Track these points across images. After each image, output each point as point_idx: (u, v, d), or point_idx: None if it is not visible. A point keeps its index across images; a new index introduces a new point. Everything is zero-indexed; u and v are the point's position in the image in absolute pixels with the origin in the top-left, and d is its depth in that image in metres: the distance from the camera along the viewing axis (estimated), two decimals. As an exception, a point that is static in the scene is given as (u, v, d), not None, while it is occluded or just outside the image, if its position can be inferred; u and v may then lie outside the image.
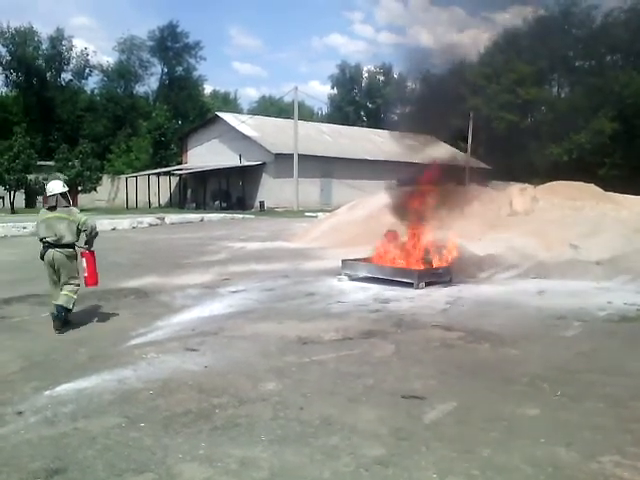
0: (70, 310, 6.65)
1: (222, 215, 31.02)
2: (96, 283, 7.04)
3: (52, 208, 6.71)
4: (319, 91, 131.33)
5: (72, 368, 5.00)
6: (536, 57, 57.97)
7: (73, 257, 6.77)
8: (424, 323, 6.76)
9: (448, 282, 9.47)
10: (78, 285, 6.81)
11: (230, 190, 42.08)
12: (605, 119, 49.73)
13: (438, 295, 8.54)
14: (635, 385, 4.66)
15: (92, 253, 6.86)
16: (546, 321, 6.86)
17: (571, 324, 6.70)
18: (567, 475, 3.18)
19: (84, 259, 6.82)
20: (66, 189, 6.88)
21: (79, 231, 6.77)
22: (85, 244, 6.83)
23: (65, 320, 6.57)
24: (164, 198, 46.68)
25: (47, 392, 4.38)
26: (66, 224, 6.66)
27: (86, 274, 6.83)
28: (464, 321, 6.82)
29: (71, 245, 6.72)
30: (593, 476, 3.17)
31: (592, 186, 15.24)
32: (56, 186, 6.79)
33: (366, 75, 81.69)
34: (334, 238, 15.68)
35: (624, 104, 49.62)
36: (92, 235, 6.83)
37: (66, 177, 38.48)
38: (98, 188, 42.23)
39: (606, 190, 15.32)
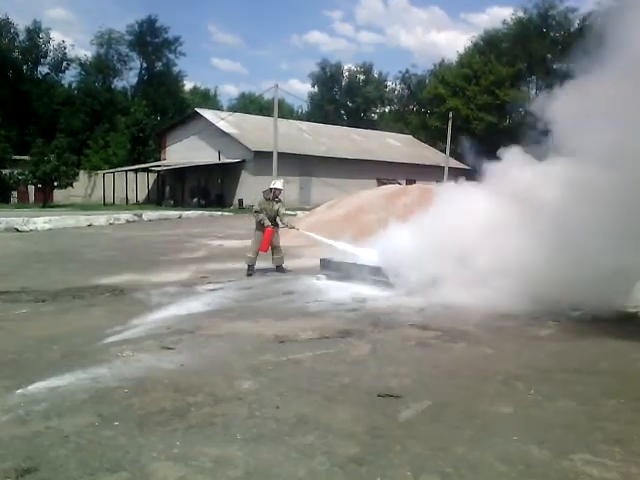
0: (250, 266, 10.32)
1: (200, 212, 30.85)
2: (265, 250, 10.29)
3: None
4: (299, 89, 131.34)
5: (45, 366, 4.93)
6: (515, 59, 58.63)
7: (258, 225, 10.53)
8: (401, 322, 6.80)
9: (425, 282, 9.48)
10: (250, 252, 10.39)
11: (209, 187, 41.86)
12: (582, 121, 50.24)
13: (415, 294, 8.55)
14: (606, 384, 4.74)
15: (269, 230, 10.25)
16: (521, 321, 6.93)
17: (545, 324, 6.79)
18: (539, 472, 3.23)
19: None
20: (270, 186, 10.66)
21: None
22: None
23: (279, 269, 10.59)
24: (142, 195, 46.23)
25: (19, 391, 4.32)
26: None
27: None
28: (440, 320, 6.86)
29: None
30: (564, 473, 3.22)
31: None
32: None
33: (346, 74, 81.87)
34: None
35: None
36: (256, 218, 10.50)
37: (46, 171, 38.09)
38: (74, 184, 41.63)
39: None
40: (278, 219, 10.63)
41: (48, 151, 39.55)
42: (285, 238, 16.44)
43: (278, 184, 10.74)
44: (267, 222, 10.30)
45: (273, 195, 10.61)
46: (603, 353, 5.69)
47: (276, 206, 10.58)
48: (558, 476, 3.19)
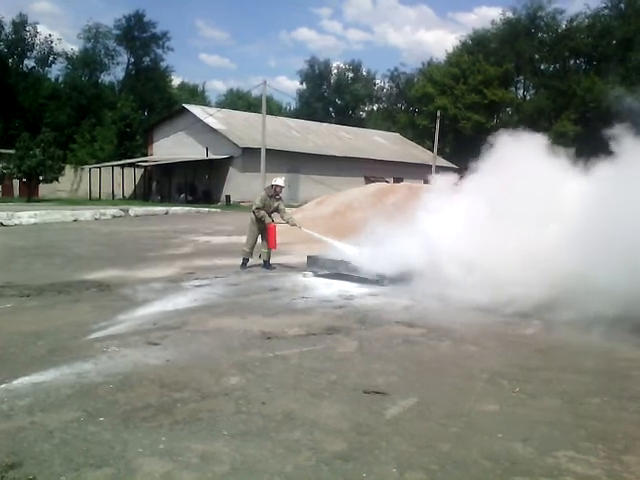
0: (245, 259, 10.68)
1: (187, 208, 30.73)
2: (274, 247, 10.59)
3: None
4: (287, 86, 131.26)
5: (30, 361, 4.89)
6: (503, 59, 58.96)
7: (257, 220, 10.66)
8: (387, 320, 6.81)
9: (411, 280, 9.49)
10: (247, 246, 10.73)
11: (196, 183, 41.68)
12: (568, 122, 50.83)
13: (402, 292, 8.58)
14: (591, 382, 4.78)
15: (273, 227, 10.47)
16: (507, 319, 6.96)
17: (531, 322, 6.82)
18: (523, 470, 3.25)
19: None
20: (272, 183, 10.79)
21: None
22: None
23: (266, 265, 10.65)
24: (128, 190, 45.90)
25: (3, 385, 4.28)
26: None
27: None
28: (427, 318, 6.87)
29: (254, 212, 10.68)
30: (548, 470, 3.24)
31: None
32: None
33: (335, 71, 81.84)
34: (300, 234, 15.66)
35: (586, 107, 50.77)
36: (257, 215, 10.56)
37: (31, 164, 37.74)
38: (60, 178, 41.32)
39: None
40: (275, 215, 10.84)
41: (33, 145, 39.14)
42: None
43: (280, 181, 10.92)
44: (268, 219, 10.55)
45: (274, 192, 10.76)
46: (587, 352, 5.73)
47: (275, 203, 10.78)
48: (542, 473, 3.21)
